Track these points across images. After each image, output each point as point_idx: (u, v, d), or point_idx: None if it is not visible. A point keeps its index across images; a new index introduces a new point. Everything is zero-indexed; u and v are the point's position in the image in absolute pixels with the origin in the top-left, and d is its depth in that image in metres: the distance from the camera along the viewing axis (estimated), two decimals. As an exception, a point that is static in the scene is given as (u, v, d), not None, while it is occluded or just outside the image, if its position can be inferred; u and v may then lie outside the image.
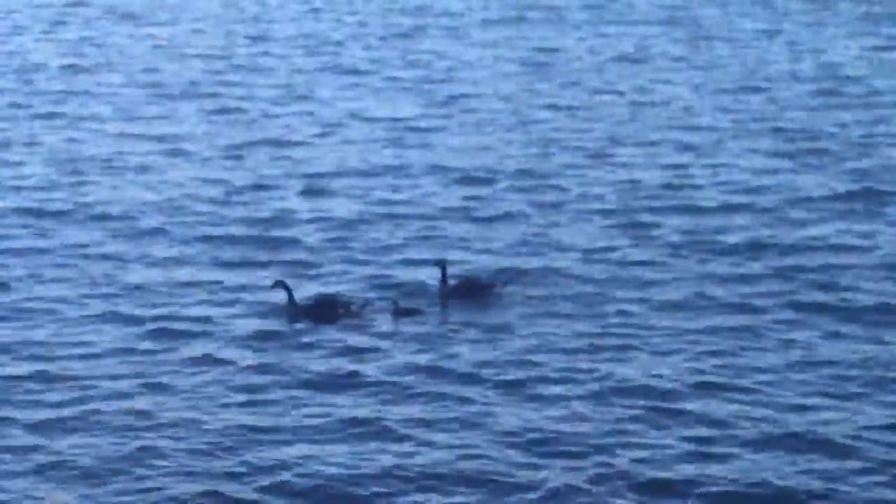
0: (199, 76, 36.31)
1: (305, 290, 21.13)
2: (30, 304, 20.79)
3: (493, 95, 34.61)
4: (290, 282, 20.66)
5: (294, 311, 20.43)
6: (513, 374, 18.43)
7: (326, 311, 20.35)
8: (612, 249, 23.43)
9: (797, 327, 20.08)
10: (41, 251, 23.09)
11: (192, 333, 19.76)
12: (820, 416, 17.24)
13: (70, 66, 37.34)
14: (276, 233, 24.11)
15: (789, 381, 18.24)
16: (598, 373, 18.47)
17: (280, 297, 20.58)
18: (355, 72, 37.18)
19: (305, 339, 19.65)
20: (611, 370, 18.56)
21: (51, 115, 32.20)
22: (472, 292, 21.06)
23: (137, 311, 20.54)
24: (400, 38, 41.82)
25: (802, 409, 17.41)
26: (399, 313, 20.45)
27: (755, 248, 23.35)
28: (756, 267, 22.49)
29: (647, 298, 21.19)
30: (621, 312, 20.61)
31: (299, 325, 20.11)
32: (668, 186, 27.01)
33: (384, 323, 20.28)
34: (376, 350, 19.29)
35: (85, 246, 23.41)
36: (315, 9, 47.09)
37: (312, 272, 22.31)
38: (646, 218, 25.09)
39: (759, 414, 17.26)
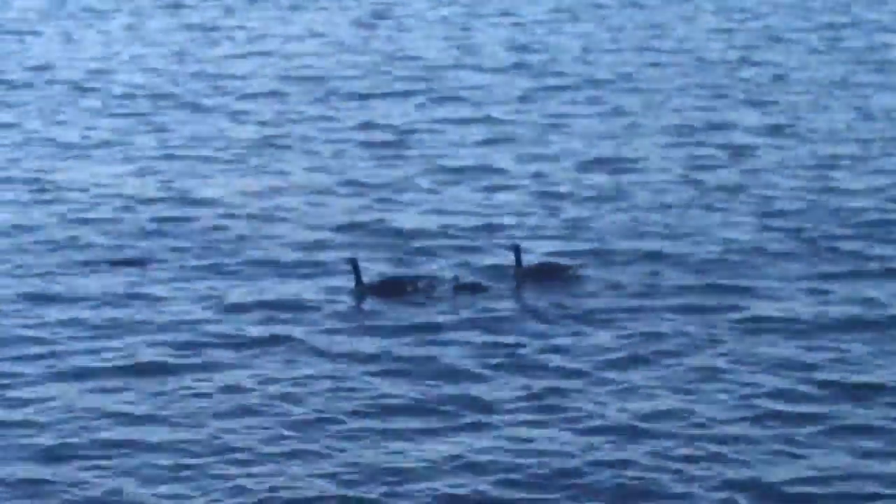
0: (323, 72, 35.88)
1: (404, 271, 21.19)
2: (150, 290, 20.67)
3: (622, 81, 33.95)
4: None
5: (361, 290, 20.39)
6: (583, 362, 18.08)
7: (393, 290, 20.35)
8: (729, 241, 22.65)
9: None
10: (168, 235, 23.02)
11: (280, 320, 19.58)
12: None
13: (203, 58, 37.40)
14: (399, 221, 23.79)
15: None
16: (674, 363, 17.94)
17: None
18: (481, 57, 36.72)
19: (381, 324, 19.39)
20: (692, 360, 18.01)
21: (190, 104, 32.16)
22: (547, 274, 21.00)
23: (243, 298, 20.40)
24: (521, 25, 41.24)
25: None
26: (459, 289, 20.47)
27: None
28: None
29: (753, 292, 20.50)
30: (718, 307, 19.93)
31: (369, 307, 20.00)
32: (805, 186, 25.71)
33: (449, 302, 20.15)
34: (442, 330, 19.12)
35: (195, 236, 23.22)
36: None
37: (421, 257, 22.13)
38: (776, 215, 23.98)
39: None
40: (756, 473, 15.23)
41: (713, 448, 15.74)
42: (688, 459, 15.50)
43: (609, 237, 22.98)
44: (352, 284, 20.60)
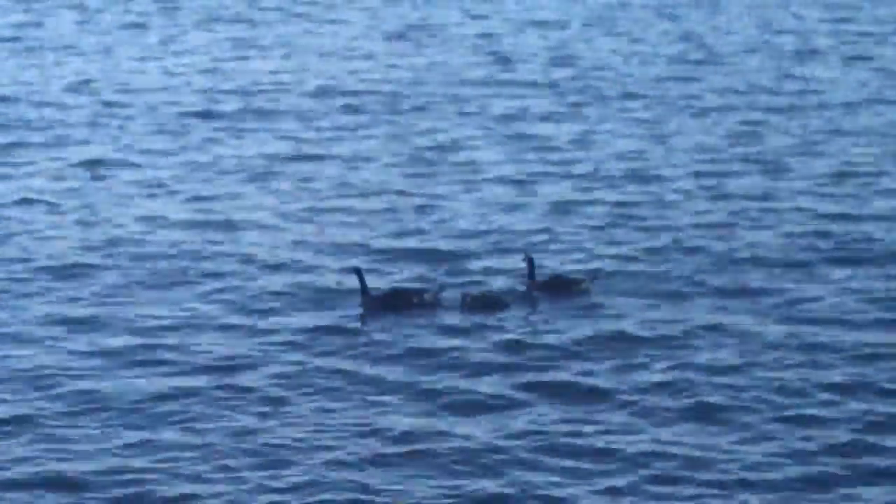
0: (358, 86, 35.84)
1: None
2: (187, 314, 20.69)
3: (655, 94, 33.86)
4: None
5: (367, 300, 20.30)
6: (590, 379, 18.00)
7: (399, 300, 20.26)
8: (759, 259, 22.45)
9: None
10: (201, 257, 23.00)
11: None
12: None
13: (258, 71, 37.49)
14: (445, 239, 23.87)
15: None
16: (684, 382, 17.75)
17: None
18: (514, 71, 36.67)
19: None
20: (720, 382, 17.77)
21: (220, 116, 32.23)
22: (559, 288, 20.99)
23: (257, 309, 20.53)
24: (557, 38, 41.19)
25: None
26: (469, 305, 20.39)
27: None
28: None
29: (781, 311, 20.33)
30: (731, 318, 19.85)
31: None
32: (840, 200, 25.47)
33: (457, 315, 20.07)
34: (451, 350, 18.98)
35: (241, 252, 23.26)
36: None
37: (443, 270, 22.12)
38: (810, 232, 23.73)
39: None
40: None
41: (736, 475, 15.46)
42: (711, 485, 15.31)
43: (637, 252, 22.85)
44: (358, 295, 20.47)
